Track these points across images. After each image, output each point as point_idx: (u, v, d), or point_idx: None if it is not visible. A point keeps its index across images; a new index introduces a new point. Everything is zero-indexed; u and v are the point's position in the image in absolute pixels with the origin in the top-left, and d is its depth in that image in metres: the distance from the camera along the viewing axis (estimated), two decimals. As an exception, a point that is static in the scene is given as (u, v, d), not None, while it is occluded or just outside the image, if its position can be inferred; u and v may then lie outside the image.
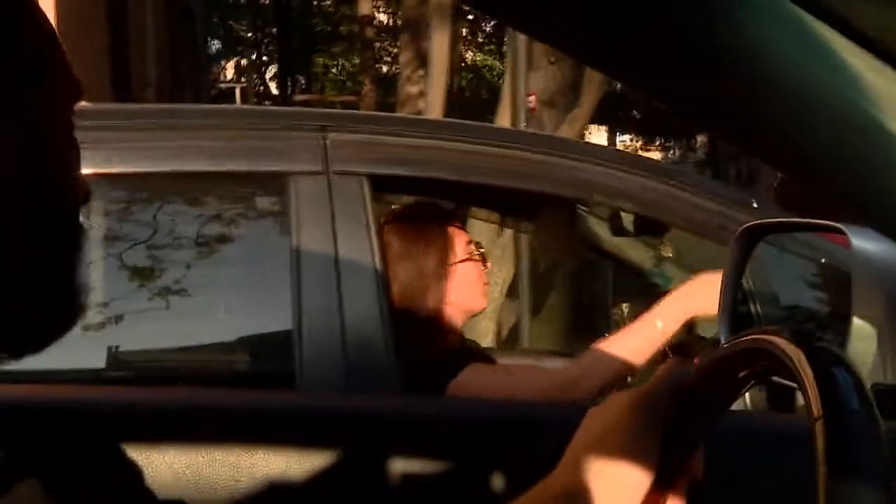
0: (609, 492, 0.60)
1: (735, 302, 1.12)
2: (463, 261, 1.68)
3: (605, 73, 0.68)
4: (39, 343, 0.57)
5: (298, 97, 17.88)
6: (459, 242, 1.70)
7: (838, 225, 0.99)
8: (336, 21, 18.05)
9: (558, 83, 6.09)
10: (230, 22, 20.39)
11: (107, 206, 1.59)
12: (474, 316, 1.78)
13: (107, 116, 1.57)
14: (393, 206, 2.14)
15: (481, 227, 3.54)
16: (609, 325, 2.61)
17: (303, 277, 1.43)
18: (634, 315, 2.30)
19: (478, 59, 15.96)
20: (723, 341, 0.94)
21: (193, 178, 1.57)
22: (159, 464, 1.19)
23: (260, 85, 20.72)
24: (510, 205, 2.32)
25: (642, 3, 0.48)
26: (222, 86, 16.85)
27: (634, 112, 16.81)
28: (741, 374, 0.61)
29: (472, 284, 1.70)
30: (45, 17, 0.57)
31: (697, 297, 1.57)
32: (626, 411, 0.62)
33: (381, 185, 1.61)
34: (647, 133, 17.06)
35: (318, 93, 17.85)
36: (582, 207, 2.30)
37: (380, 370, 1.41)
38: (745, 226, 1.15)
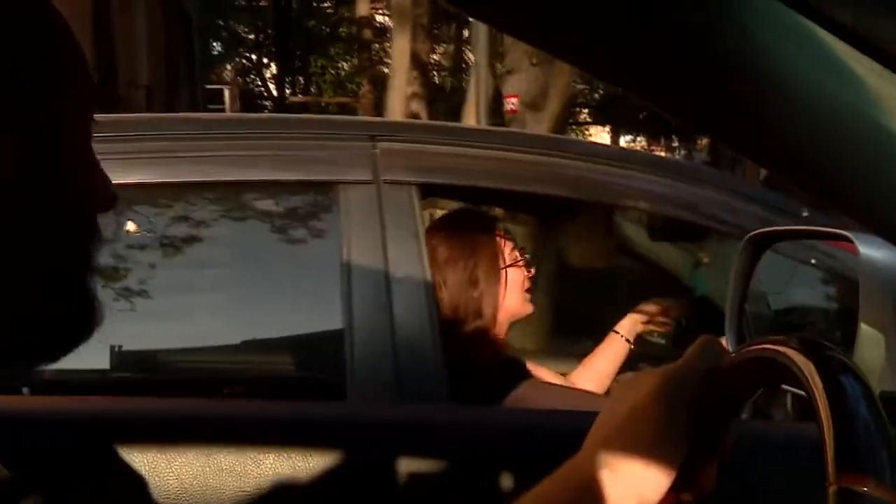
0: (637, 476, 0.58)
1: (742, 310, 1.12)
2: (509, 266, 1.72)
3: (603, 79, 0.68)
4: (54, 350, 0.57)
5: (293, 99, 17.84)
6: (506, 248, 1.74)
7: (846, 233, 0.99)
8: (334, 22, 18.02)
9: (541, 85, 6.10)
10: (230, 23, 20.35)
11: (161, 215, 1.60)
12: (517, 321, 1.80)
13: (158, 127, 1.60)
14: (434, 214, 2.17)
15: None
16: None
17: (353, 286, 1.44)
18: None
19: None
20: (730, 349, 0.94)
21: (245, 187, 1.59)
22: (166, 474, 1.18)
23: (259, 86, 20.69)
24: (551, 211, 2.33)
25: (643, 6, 0.47)
26: (209, 87, 16.76)
27: (641, 114, 16.77)
28: (751, 382, 0.61)
29: (518, 289, 1.73)
30: (59, 14, 0.56)
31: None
32: (656, 392, 0.60)
33: (430, 194, 1.63)
34: (650, 134, 17.02)
35: (316, 94, 17.80)
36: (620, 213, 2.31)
37: (430, 379, 1.42)
38: (751, 234, 1.15)
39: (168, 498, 1.14)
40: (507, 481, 1.22)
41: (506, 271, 1.71)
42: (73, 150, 0.54)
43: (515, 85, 6.14)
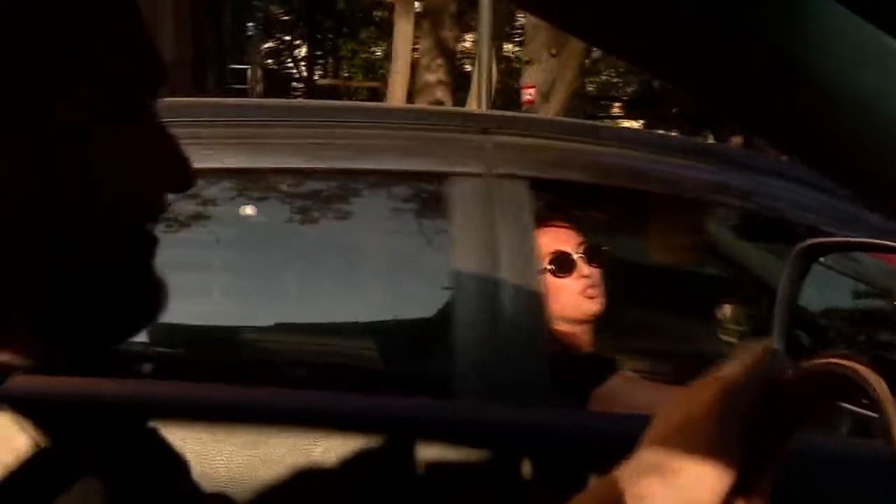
0: (688, 487, 0.57)
1: (790, 323, 1.12)
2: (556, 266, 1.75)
3: (660, 76, 0.68)
4: (119, 333, 0.56)
5: (322, 82, 17.86)
6: (573, 244, 1.76)
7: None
8: (367, 6, 17.99)
9: (557, 76, 6.08)
10: (262, 2, 20.38)
11: (272, 201, 1.63)
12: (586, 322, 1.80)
13: (271, 113, 1.59)
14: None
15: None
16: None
17: (462, 279, 1.44)
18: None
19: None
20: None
21: (356, 175, 1.59)
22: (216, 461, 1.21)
23: (289, 67, 20.71)
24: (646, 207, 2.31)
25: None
26: (234, 66, 16.75)
27: (674, 108, 16.61)
28: (813, 397, 0.60)
29: (570, 292, 1.75)
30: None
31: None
32: (711, 402, 0.58)
33: (542, 189, 1.62)
34: (684, 129, 16.84)
35: (345, 78, 17.82)
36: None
37: (533, 376, 1.42)
38: (802, 244, 1.14)
39: (216, 484, 1.15)
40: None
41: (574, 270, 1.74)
42: (137, 129, 0.52)
43: (533, 76, 6.12)
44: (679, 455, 0.58)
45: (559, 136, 1.60)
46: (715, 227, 2.33)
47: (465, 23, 11.99)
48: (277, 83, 18.54)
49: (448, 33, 8.90)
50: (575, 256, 1.78)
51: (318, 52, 19.51)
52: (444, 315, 1.45)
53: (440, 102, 7.81)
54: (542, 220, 1.75)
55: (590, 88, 19.96)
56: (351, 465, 1.20)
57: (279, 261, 1.63)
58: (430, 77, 8.70)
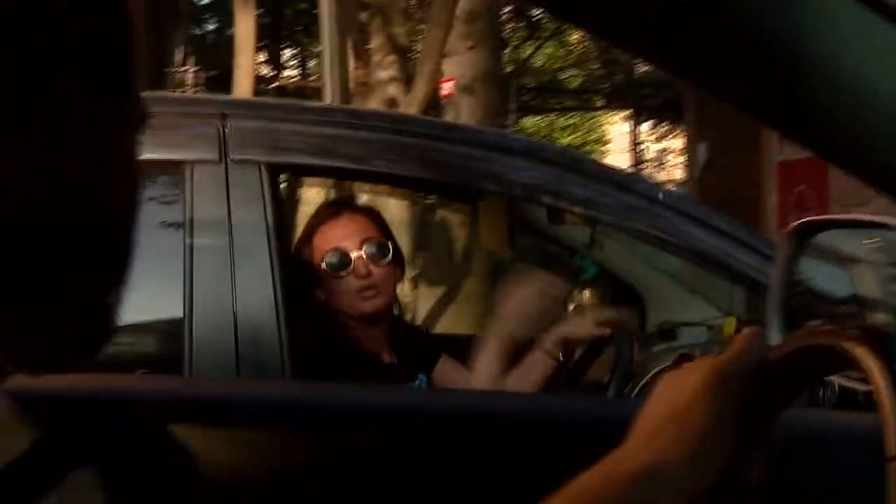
0: (683, 469, 0.57)
1: (786, 300, 1.11)
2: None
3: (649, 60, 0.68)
4: (64, 361, 0.54)
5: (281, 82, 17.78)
6: (350, 243, 1.78)
7: (896, 222, 0.98)
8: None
9: (477, 69, 6.09)
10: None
11: None
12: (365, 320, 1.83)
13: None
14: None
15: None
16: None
17: (195, 268, 1.48)
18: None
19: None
20: (774, 338, 0.93)
21: None
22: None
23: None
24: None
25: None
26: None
27: (658, 99, 16.77)
28: (802, 373, 0.62)
29: (345, 291, 1.78)
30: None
31: (570, 324, 1.91)
32: (703, 385, 0.59)
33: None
34: (669, 119, 16.96)
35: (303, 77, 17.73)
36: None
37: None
38: (797, 222, 1.14)
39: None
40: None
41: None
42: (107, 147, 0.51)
43: (451, 69, 6.12)
44: (672, 438, 0.58)
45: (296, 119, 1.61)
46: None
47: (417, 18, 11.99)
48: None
49: (399, 29, 8.87)
50: (353, 255, 1.77)
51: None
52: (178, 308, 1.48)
53: (393, 100, 7.78)
54: (328, 215, 1.79)
55: (573, 82, 20.24)
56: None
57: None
58: (383, 74, 8.67)
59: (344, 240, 1.78)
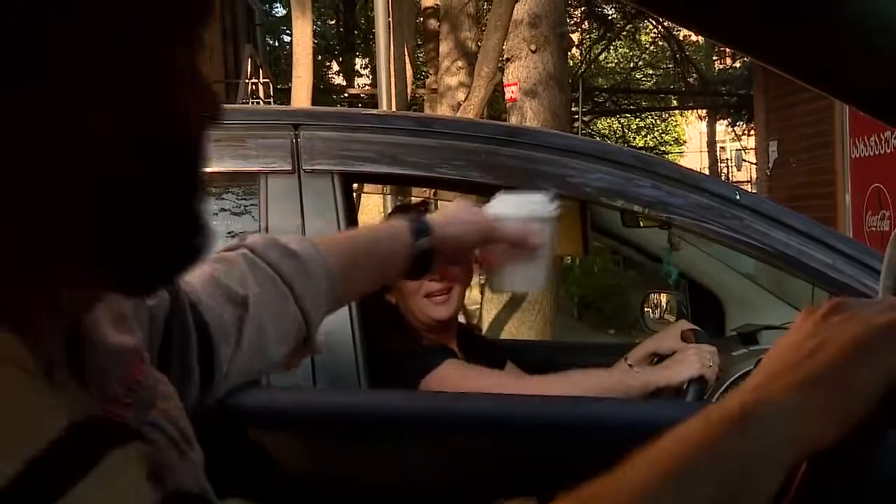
0: (806, 420, 0.53)
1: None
2: None
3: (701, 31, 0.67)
4: (164, 275, 0.58)
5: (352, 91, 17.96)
6: None
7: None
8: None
9: (541, 72, 6.05)
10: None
11: None
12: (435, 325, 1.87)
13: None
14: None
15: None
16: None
17: None
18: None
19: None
20: None
21: None
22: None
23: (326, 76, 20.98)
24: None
25: None
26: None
27: (734, 98, 16.43)
28: None
29: (417, 294, 1.82)
30: None
31: (660, 339, 1.93)
32: (860, 337, 0.55)
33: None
34: (744, 117, 16.56)
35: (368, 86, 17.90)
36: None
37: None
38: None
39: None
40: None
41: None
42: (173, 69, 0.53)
43: (514, 73, 6.10)
44: (805, 384, 0.54)
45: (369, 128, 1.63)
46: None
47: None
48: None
49: (467, 34, 8.90)
50: None
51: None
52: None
53: (460, 105, 7.82)
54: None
55: (647, 83, 20.00)
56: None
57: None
58: (451, 80, 8.71)
59: None
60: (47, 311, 0.53)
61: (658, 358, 1.98)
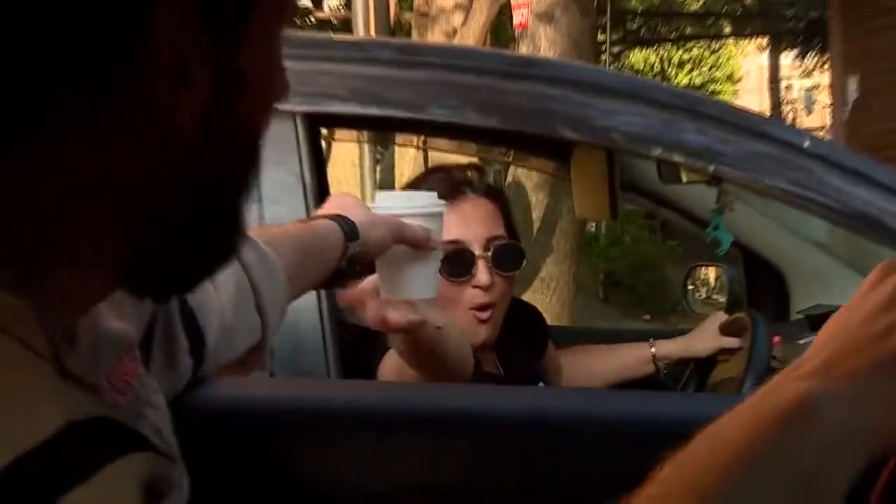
0: (871, 406, 0.56)
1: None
2: None
3: None
4: (200, 272, 0.64)
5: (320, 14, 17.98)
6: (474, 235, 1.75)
7: None
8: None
9: None
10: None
11: None
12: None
13: None
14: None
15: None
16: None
17: None
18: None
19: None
20: None
21: None
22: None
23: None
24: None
25: None
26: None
27: (801, 23, 16.39)
28: None
29: (460, 306, 1.69)
30: None
31: (688, 342, 1.98)
32: None
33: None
34: (816, 48, 16.51)
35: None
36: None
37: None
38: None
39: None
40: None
41: None
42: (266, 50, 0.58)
43: None
44: (873, 366, 0.58)
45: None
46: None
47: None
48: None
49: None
50: (477, 254, 1.67)
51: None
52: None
53: (456, 31, 7.79)
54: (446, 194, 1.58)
55: (693, 4, 19.94)
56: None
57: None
58: (446, 1, 8.70)
59: (466, 232, 1.68)
60: (71, 295, 0.57)
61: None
